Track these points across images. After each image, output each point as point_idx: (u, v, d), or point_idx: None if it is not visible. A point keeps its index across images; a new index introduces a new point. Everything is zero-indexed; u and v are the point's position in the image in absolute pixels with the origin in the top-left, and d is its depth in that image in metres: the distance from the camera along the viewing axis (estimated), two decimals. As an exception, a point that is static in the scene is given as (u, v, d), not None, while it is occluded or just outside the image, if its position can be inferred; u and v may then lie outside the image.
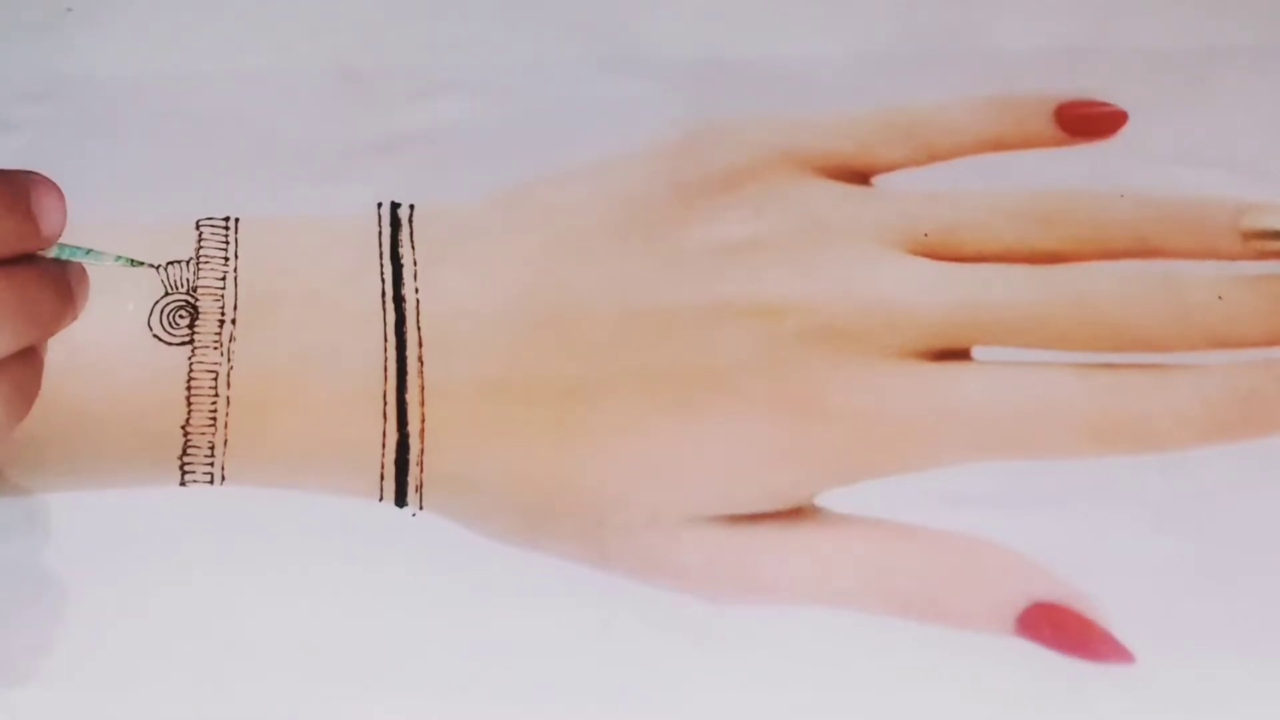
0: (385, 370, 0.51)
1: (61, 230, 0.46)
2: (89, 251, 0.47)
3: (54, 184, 0.45)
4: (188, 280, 0.53)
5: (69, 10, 0.58)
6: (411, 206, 0.55)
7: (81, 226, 0.53)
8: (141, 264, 0.49)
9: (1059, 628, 0.48)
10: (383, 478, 0.50)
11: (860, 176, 0.56)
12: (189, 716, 0.46)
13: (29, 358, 0.45)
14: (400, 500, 0.49)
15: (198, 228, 0.54)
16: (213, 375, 0.51)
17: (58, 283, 0.46)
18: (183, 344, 0.52)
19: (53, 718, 0.45)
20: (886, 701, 0.47)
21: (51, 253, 0.46)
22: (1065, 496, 0.50)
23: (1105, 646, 0.47)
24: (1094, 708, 0.46)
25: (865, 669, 0.47)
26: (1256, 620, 0.48)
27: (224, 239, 0.54)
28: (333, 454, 0.50)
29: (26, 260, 0.45)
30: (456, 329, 0.52)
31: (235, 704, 0.46)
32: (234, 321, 0.52)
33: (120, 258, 0.48)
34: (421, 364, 0.51)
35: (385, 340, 0.52)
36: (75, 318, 0.46)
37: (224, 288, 0.53)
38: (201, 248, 0.53)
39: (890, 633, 0.48)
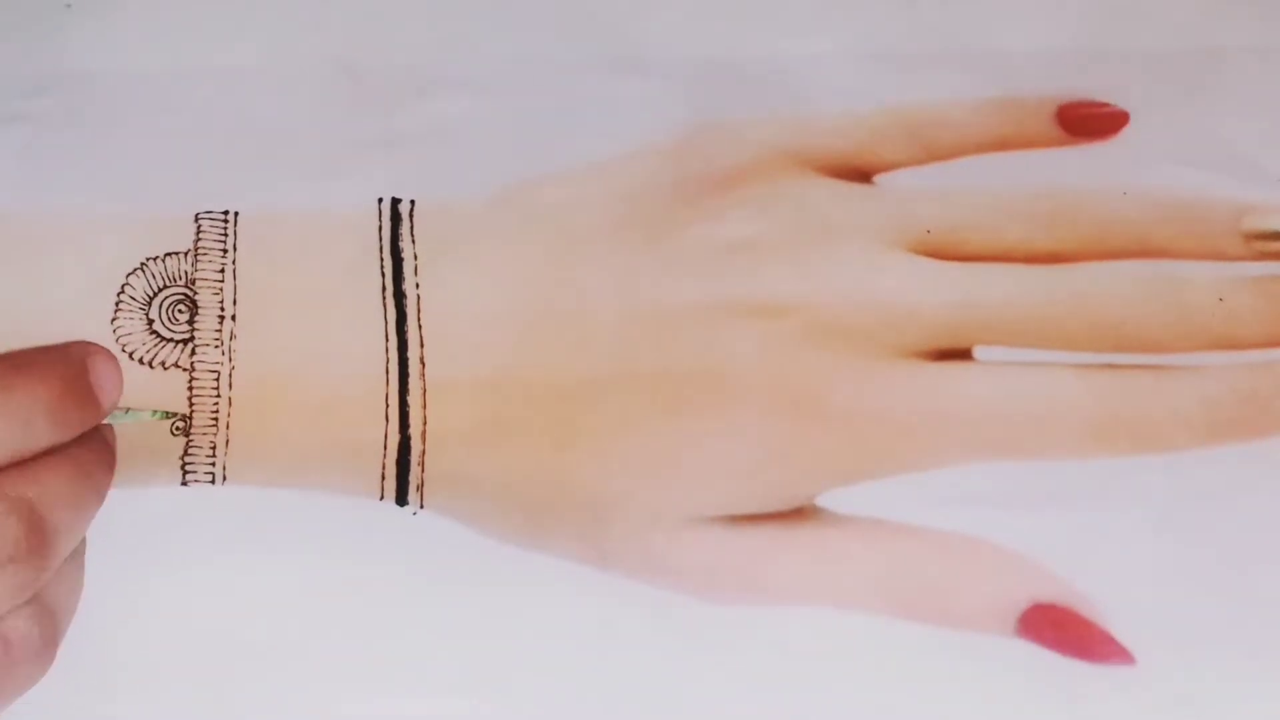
0: (387, 371, 0.51)
1: (118, 399, 0.45)
2: (127, 411, 0.47)
3: (109, 353, 0.45)
4: (185, 272, 0.53)
5: (68, 6, 0.58)
6: (412, 202, 0.54)
7: (82, 221, 0.54)
8: (174, 415, 0.50)
9: (1059, 628, 0.48)
10: (384, 477, 0.50)
11: (862, 175, 0.56)
12: (189, 716, 0.46)
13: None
14: (401, 499, 0.49)
15: (196, 220, 0.54)
16: (214, 375, 0.51)
17: (110, 451, 0.45)
18: (184, 340, 0.52)
19: (53, 718, 0.45)
20: (886, 702, 0.47)
21: None
22: (1065, 497, 0.50)
23: (1105, 647, 0.48)
24: (1094, 708, 0.47)
25: (865, 669, 0.47)
26: (1256, 620, 0.48)
27: (223, 231, 0.54)
28: (334, 454, 0.50)
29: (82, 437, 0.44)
30: (457, 326, 0.52)
31: (235, 703, 0.46)
32: (234, 318, 0.52)
33: (155, 412, 0.49)
34: (423, 365, 0.51)
35: (386, 340, 0.52)
36: None
37: (222, 280, 0.53)
38: (200, 240, 0.53)
39: (890, 633, 0.48)
